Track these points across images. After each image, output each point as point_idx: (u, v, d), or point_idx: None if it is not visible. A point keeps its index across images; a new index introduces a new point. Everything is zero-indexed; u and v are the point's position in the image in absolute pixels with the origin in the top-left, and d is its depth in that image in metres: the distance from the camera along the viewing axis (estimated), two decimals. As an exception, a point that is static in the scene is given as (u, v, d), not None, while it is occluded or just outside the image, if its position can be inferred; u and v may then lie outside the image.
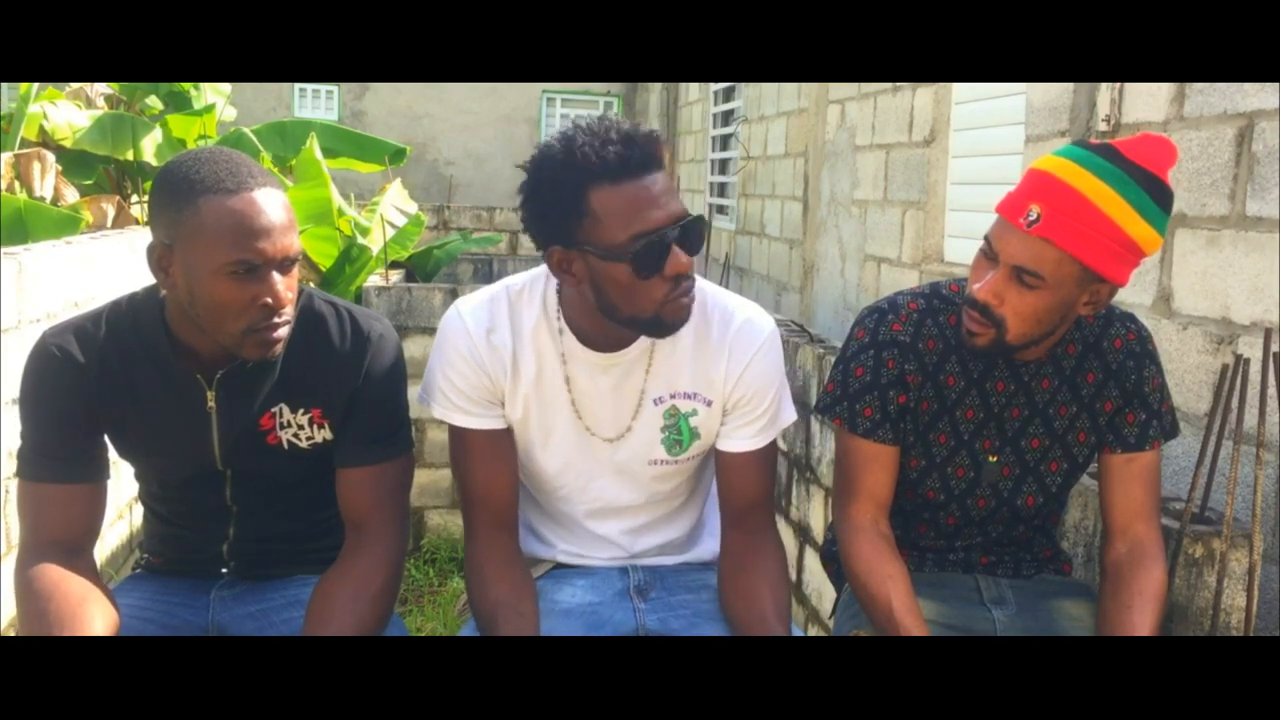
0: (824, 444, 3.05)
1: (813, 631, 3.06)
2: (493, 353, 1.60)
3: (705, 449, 1.69)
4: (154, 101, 5.81)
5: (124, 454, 1.65)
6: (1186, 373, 2.57)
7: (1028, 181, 1.50)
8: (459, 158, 11.98)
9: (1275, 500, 2.27)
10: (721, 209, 7.87)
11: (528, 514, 1.77)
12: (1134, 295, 2.79)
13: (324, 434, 1.61)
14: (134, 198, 5.45)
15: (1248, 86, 2.42)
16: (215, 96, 5.88)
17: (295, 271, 1.50)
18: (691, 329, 1.60)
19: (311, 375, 1.59)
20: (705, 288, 1.65)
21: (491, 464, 1.63)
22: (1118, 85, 2.92)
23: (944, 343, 1.66)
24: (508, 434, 1.64)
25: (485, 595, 1.58)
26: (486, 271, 6.84)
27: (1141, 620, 1.56)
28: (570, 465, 1.66)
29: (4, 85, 8.28)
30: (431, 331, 4.01)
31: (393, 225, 5.42)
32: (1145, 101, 2.80)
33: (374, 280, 4.66)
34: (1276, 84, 2.32)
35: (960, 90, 4.12)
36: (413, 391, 1.65)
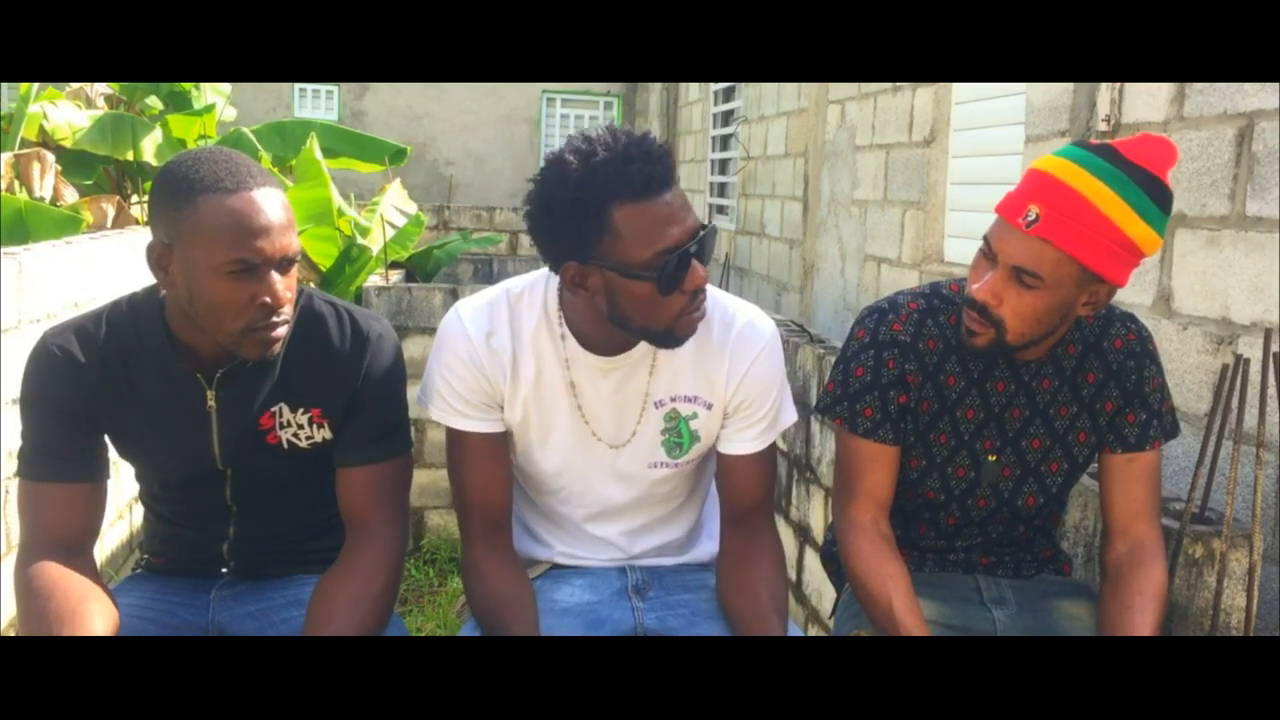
0: (824, 444, 3.05)
1: (813, 631, 3.06)
2: (492, 356, 1.60)
3: (705, 451, 1.69)
4: (154, 101, 5.81)
5: (124, 454, 1.65)
6: (1186, 373, 2.57)
7: (1027, 182, 1.50)
8: (459, 158, 11.98)
9: (1275, 500, 2.27)
10: (721, 209, 7.87)
11: (525, 515, 1.77)
12: (1134, 295, 2.79)
13: (323, 433, 1.61)
14: (134, 198, 5.45)
15: (1248, 86, 2.42)
16: (215, 96, 5.88)
17: (294, 271, 1.51)
18: (692, 332, 1.60)
19: (311, 375, 1.59)
20: (706, 290, 1.64)
21: (488, 467, 1.63)
22: (1118, 85, 2.92)
23: (944, 343, 1.66)
24: (505, 437, 1.64)
25: (487, 595, 1.58)
26: (486, 271, 6.84)
27: (1142, 620, 1.56)
28: (569, 467, 1.66)
29: (4, 85, 8.28)
30: (431, 331, 4.01)
31: (393, 225, 5.42)
32: (1145, 101, 2.80)
33: (374, 280, 4.66)
34: (1276, 84, 2.32)
35: (960, 90, 4.13)
36: (412, 392, 1.66)
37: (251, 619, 1.65)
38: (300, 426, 1.60)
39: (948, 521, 1.74)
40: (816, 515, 3.12)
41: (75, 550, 1.52)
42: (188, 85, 5.71)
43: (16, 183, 4.41)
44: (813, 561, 3.17)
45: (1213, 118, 2.55)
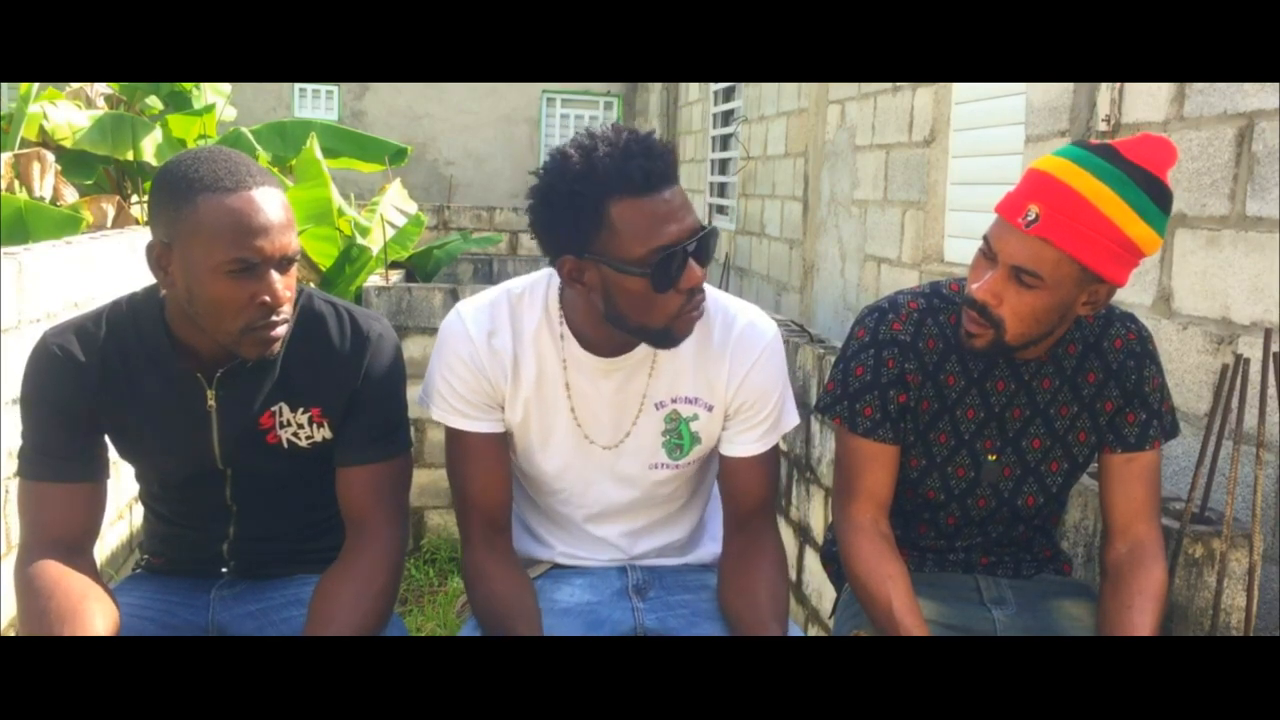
0: (824, 444, 3.05)
1: (813, 631, 3.06)
2: (493, 356, 1.60)
3: (706, 453, 1.69)
4: (154, 101, 5.81)
5: (124, 454, 1.65)
6: (1186, 373, 2.57)
7: (1027, 182, 1.50)
8: (459, 158, 11.98)
9: (1275, 500, 2.27)
10: (721, 209, 7.87)
11: (525, 515, 1.77)
12: (1134, 295, 2.79)
13: (323, 433, 1.61)
14: (134, 198, 5.45)
15: (1248, 86, 2.42)
16: (215, 96, 5.88)
17: (294, 270, 1.51)
18: (694, 333, 1.59)
19: (311, 375, 1.59)
20: (707, 291, 1.64)
21: (488, 467, 1.63)
22: (1118, 85, 2.92)
23: (944, 342, 1.66)
24: (505, 437, 1.64)
25: (490, 596, 1.58)
26: (486, 271, 6.84)
27: (1142, 620, 1.56)
28: (570, 468, 1.66)
29: (4, 85, 8.28)
30: (431, 331, 4.01)
31: (393, 225, 5.42)
32: (1145, 101, 2.80)
33: (374, 280, 4.66)
34: (1276, 84, 2.32)
35: (960, 90, 4.13)
36: (412, 391, 1.65)
37: (251, 619, 1.65)
38: (300, 426, 1.60)
39: (947, 521, 1.74)
40: (816, 515, 3.12)
41: (75, 550, 1.52)
42: (188, 85, 5.71)
43: (16, 183, 4.41)
44: (813, 561, 3.17)
45: (1213, 118, 2.55)
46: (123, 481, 2.83)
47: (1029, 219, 1.46)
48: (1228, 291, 2.47)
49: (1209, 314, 2.53)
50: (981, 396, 1.66)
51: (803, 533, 3.27)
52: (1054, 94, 3.29)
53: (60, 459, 1.52)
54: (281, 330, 1.50)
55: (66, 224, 4.05)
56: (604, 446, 1.64)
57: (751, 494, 1.66)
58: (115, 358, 1.55)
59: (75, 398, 1.53)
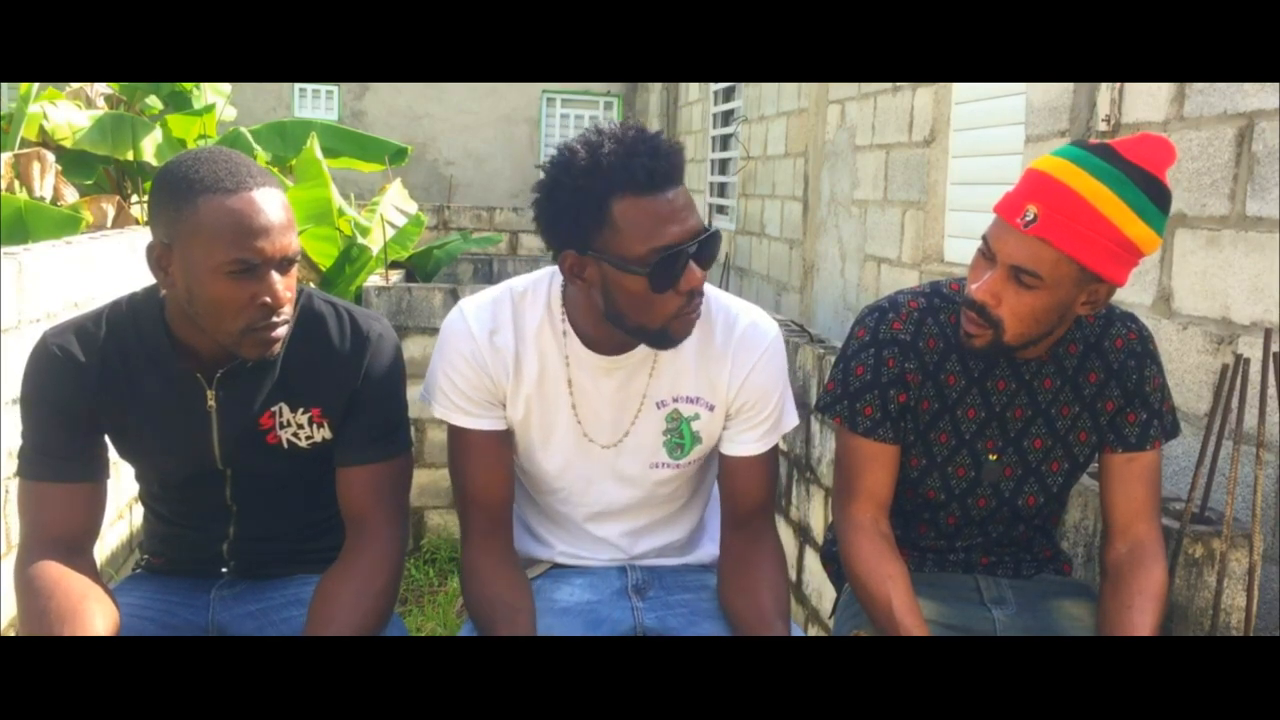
0: (824, 444, 3.05)
1: (813, 631, 3.06)
2: (495, 354, 1.60)
3: (707, 453, 1.69)
4: (154, 101, 5.81)
5: (124, 454, 1.65)
6: (1186, 373, 2.57)
7: (1025, 182, 1.50)
8: (459, 158, 11.98)
9: (1275, 500, 2.27)
10: (721, 209, 7.87)
11: (526, 515, 1.77)
12: (1134, 295, 2.79)
13: (323, 433, 1.61)
14: (134, 198, 5.45)
15: (1248, 86, 2.42)
16: (215, 96, 5.88)
17: (294, 271, 1.51)
18: (695, 333, 1.59)
19: (311, 375, 1.59)
20: (708, 291, 1.64)
21: (490, 465, 1.63)
22: (1118, 85, 2.92)
23: (945, 341, 1.66)
24: (507, 435, 1.65)
25: (482, 595, 1.58)
26: (486, 271, 6.84)
27: (1142, 620, 1.56)
28: (570, 467, 1.66)
29: (4, 85, 8.28)
30: (431, 331, 4.01)
31: (393, 225, 5.42)
32: (1145, 101, 2.80)
33: (374, 280, 4.66)
34: (1276, 84, 2.32)
35: (960, 90, 4.13)
36: (412, 391, 1.65)
37: (251, 619, 1.65)
38: (300, 426, 1.60)
39: (948, 521, 1.74)
40: (816, 515, 3.12)
41: (75, 550, 1.52)
42: (188, 85, 5.71)
43: (16, 183, 4.41)
44: (813, 561, 3.17)
45: (1213, 118, 2.55)
46: (123, 481, 2.83)
47: (1027, 219, 1.46)
48: (1228, 291, 2.47)
49: (1209, 314, 2.53)
50: (982, 396, 1.66)
51: (803, 533, 3.27)
52: (1054, 94, 3.29)
53: (60, 459, 1.52)
54: (282, 331, 1.50)
55: (66, 224, 4.05)
56: (603, 445, 1.64)
57: (751, 494, 1.66)
58: (115, 358, 1.55)
59: (75, 398, 1.53)
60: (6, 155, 4.44)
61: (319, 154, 5.03)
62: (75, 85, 5.56)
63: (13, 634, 2.22)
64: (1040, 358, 1.64)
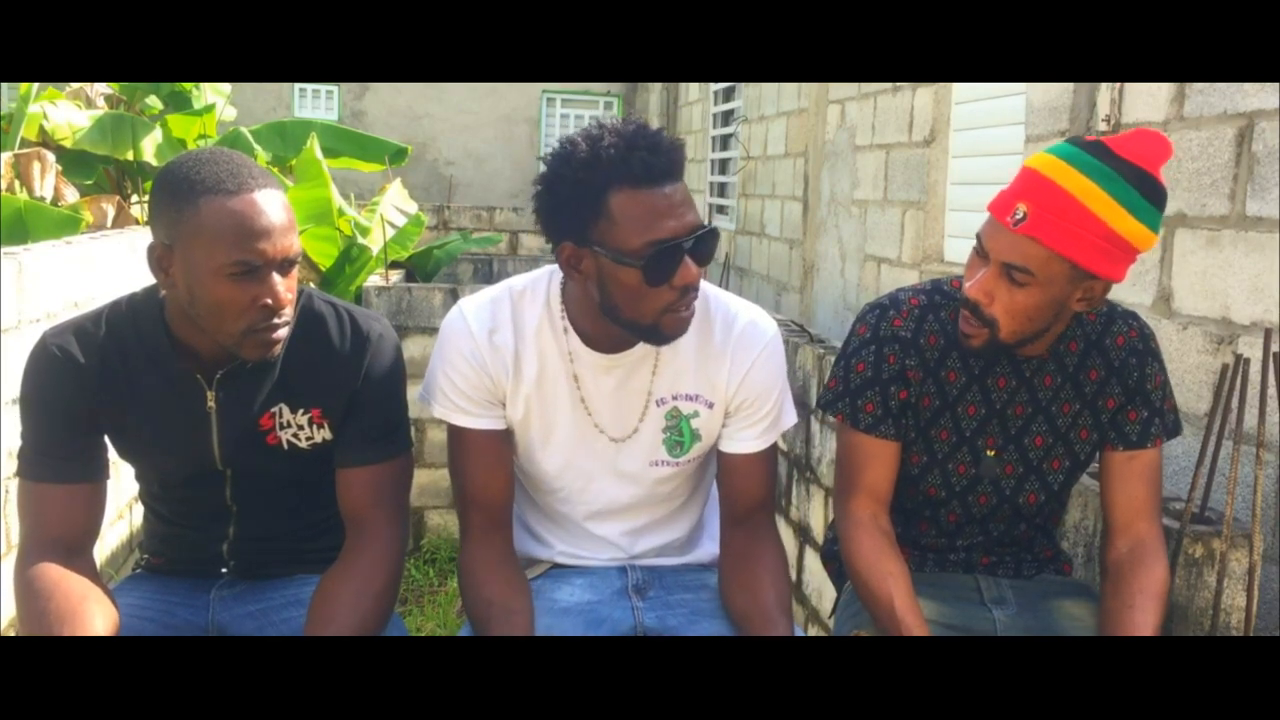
0: (824, 444, 3.05)
1: (813, 631, 3.06)
2: (495, 353, 1.60)
3: (706, 450, 1.69)
4: (154, 101, 5.81)
5: (124, 454, 1.65)
6: (1186, 373, 2.57)
7: (1018, 180, 1.51)
8: (459, 158, 11.98)
9: (1275, 500, 2.27)
10: (721, 209, 7.87)
11: (525, 515, 1.77)
12: (1134, 295, 2.79)
13: (323, 434, 1.61)
14: (134, 198, 5.45)
15: (1248, 86, 2.42)
16: (215, 96, 5.88)
17: (295, 272, 1.51)
18: (694, 331, 1.59)
19: (311, 375, 1.59)
20: (707, 289, 1.65)
21: (489, 464, 1.63)
22: (1118, 85, 2.92)
23: (945, 338, 1.66)
24: (507, 435, 1.65)
25: (478, 595, 1.58)
26: (486, 271, 6.84)
27: (1144, 620, 1.56)
28: (570, 465, 1.66)
29: (4, 85, 8.28)
30: (431, 331, 4.01)
31: (393, 225, 5.42)
32: (1145, 101, 2.80)
33: (374, 280, 4.66)
34: (1276, 84, 2.32)
35: (960, 90, 4.13)
36: (412, 391, 1.66)
37: (251, 619, 1.65)
38: (300, 427, 1.60)
39: (949, 519, 1.74)
40: (816, 515, 3.12)
41: (75, 550, 1.52)
42: (188, 85, 5.71)
43: (16, 183, 4.41)
44: (813, 561, 3.17)
45: (1213, 118, 2.55)
46: (123, 481, 2.83)
47: (1017, 217, 1.46)
48: (1228, 291, 2.47)
49: (1209, 314, 2.53)
50: (983, 393, 1.66)
51: (803, 533, 3.27)
52: (1054, 94, 3.29)
53: (60, 459, 1.52)
54: (283, 332, 1.50)
55: (66, 224, 4.05)
56: (612, 438, 1.65)
57: (750, 491, 1.66)
58: (115, 358, 1.55)
59: (75, 398, 1.53)
60: (6, 155, 4.44)
61: (319, 154, 5.03)
62: (75, 85, 5.56)
63: (13, 634, 2.22)
64: (1040, 355, 1.64)
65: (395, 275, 4.96)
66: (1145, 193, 1.45)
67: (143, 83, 5.52)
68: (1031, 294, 1.49)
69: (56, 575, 1.47)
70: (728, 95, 7.75)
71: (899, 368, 1.65)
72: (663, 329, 1.51)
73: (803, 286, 5.74)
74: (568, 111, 12.26)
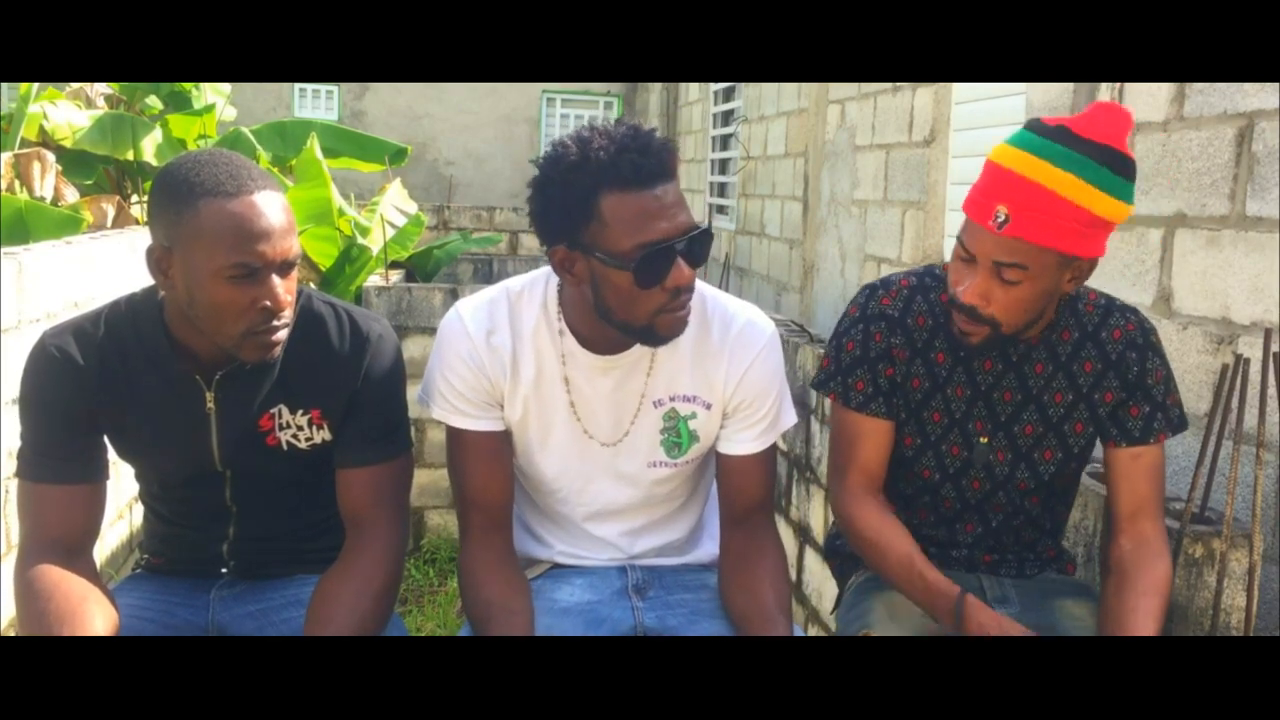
0: (824, 444, 3.05)
1: (813, 631, 3.06)
2: (492, 355, 1.60)
3: (704, 452, 1.69)
4: (154, 101, 5.81)
5: (123, 454, 1.65)
6: (1186, 373, 2.57)
7: (989, 178, 1.51)
8: (459, 158, 11.98)
9: (1275, 500, 2.26)
10: (721, 209, 7.87)
11: (525, 515, 1.77)
12: (1134, 295, 2.79)
13: (323, 435, 1.61)
14: (134, 198, 5.45)
15: (1248, 86, 2.42)
16: (215, 96, 5.88)
17: (294, 274, 1.51)
18: (691, 332, 1.59)
19: (310, 376, 1.59)
20: (705, 290, 1.65)
21: (488, 465, 1.63)
22: (1118, 85, 2.92)
23: (933, 319, 1.68)
24: (505, 436, 1.64)
25: (477, 596, 1.58)
26: (486, 271, 6.84)
27: (1146, 622, 1.55)
28: (569, 467, 1.66)
29: (4, 85, 8.28)
30: (431, 331, 4.01)
31: (393, 225, 5.42)
32: (1145, 101, 2.80)
33: (374, 280, 4.66)
34: (1276, 84, 2.32)
35: (960, 90, 4.12)
36: (412, 391, 1.66)
37: (251, 619, 1.65)
38: (300, 428, 1.60)
39: (945, 505, 1.74)
40: (816, 515, 3.12)
41: (75, 551, 1.52)
42: (188, 85, 5.71)
43: (16, 183, 4.41)
44: (813, 561, 3.16)
45: (1213, 118, 2.54)
46: (123, 481, 2.83)
47: (999, 220, 1.47)
48: (1228, 291, 2.47)
49: (1209, 314, 2.53)
50: (968, 375, 1.67)
51: (803, 533, 3.27)
52: (1054, 94, 3.29)
53: (59, 460, 1.52)
54: (282, 334, 1.50)
55: (66, 224, 4.05)
56: (603, 443, 1.64)
57: (749, 492, 1.66)
58: (114, 359, 1.55)
59: (74, 399, 1.53)
60: (6, 155, 4.44)
61: (319, 154, 5.03)
62: (75, 85, 5.56)
63: (13, 634, 2.22)
64: (1030, 340, 1.65)
65: (395, 275, 4.96)
66: (1117, 170, 1.46)
67: (143, 83, 5.52)
68: (1025, 287, 1.51)
69: (56, 576, 1.47)
70: (728, 95, 7.74)
71: (884, 345, 1.68)
72: (657, 330, 1.51)
73: (803, 286, 5.74)
74: (568, 111, 12.26)
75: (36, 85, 4.90)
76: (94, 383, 1.54)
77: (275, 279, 1.45)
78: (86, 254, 2.95)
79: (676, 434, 1.65)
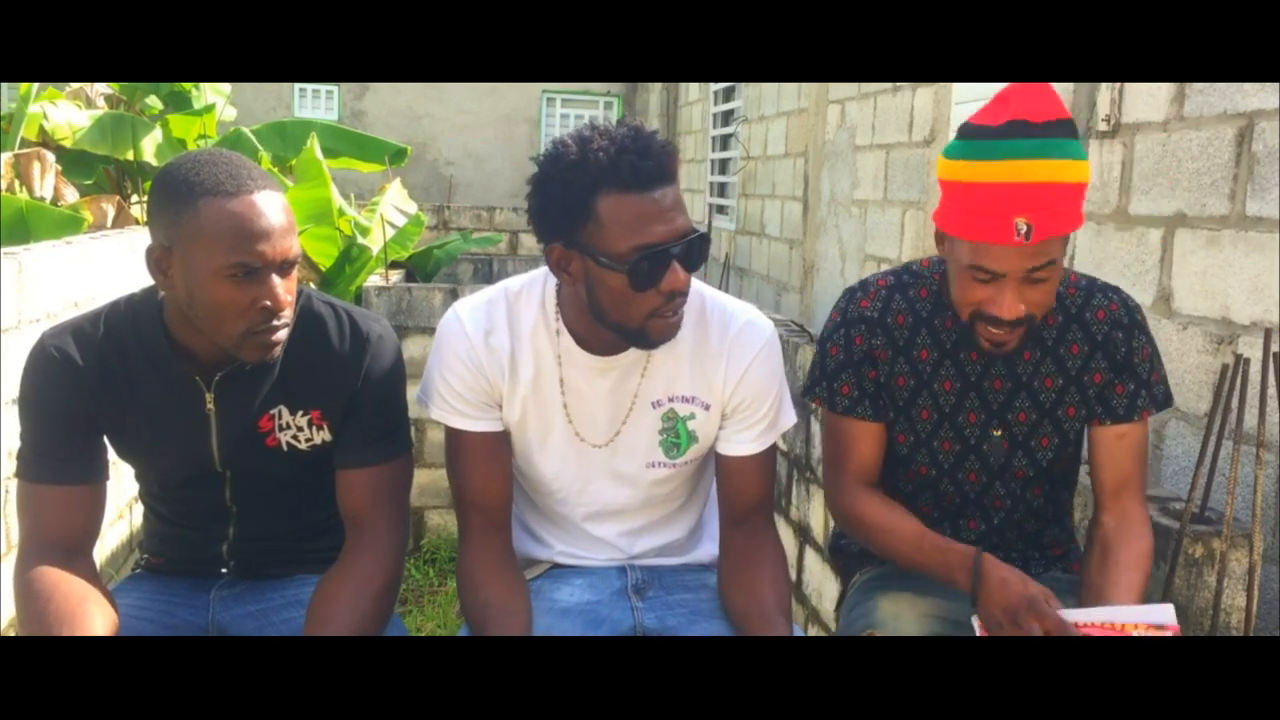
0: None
1: (813, 631, 3.06)
2: (491, 355, 1.60)
3: (703, 452, 1.69)
4: (154, 101, 5.81)
5: (123, 455, 1.65)
6: (1186, 373, 2.57)
7: (986, 199, 1.47)
8: (459, 158, 11.98)
9: (1275, 500, 2.26)
10: (721, 209, 7.87)
11: (524, 515, 1.77)
12: (1134, 295, 2.78)
13: (323, 435, 1.61)
14: (134, 198, 5.45)
15: (1248, 86, 2.42)
16: (215, 96, 5.88)
17: (294, 274, 1.50)
18: (690, 332, 1.59)
19: (310, 377, 1.59)
20: (704, 290, 1.65)
21: (487, 466, 1.63)
22: (1118, 85, 2.92)
23: (914, 316, 1.69)
24: (504, 436, 1.64)
25: (476, 598, 1.58)
26: (486, 271, 6.84)
27: (1128, 594, 1.57)
28: (567, 467, 1.66)
29: (4, 85, 8.28)
30: (431, 331, 4.01)
31: (393, 225, 5.42)
32: (1145, 101, 2.80)
33: (374, 280, 4.66)
34: (1276, 84, 2.32)
35: (960, 90, 4.12)
36: (412, 392, 1.65)
37: (251, 619, 1.65)
38: (300, 429, 1.60)
39: (946, 500, 1.75)
40: (816, 515, 3.12)
41: (75, 552, 1.51)
42: (188, 85, 5.71)
43: (17, 183, 4.41)
44: (813, 561, 3.16)
45: (1213, 118, 2.54)
46: (123, 481, 2.83)
47: (1023, 233, 1.47)
48: (1228, 291, 2.47)
49: (1209, 314, 2.53)
50: (956, 367, 1.68)
51: (803, 533, 3.27)
52: (1054, 94, 3.29)
53: (59, 460, 1.52)
54: (282, 334, 1.50)
55: (67, 224, 4.05)
56: (595, 445, 1.64)
57: (749, 492, 1.66)
58: (113, 359, 1.55)
59: (73, 399, 1.53)
60: (6, 155, 4.44)
61: (319, 154, 5.03)
62: (75, 85, 5.56)
63: (13, 634, 2.22)
64: None
65: (395, 275, 4.96)
66: (1072, 134, 1.49)
67: (143, 83, 5.52)
68: (1052, 277, 1.53)
69: (56, 577, 1.46)
70: (728, 95, 7.74)
71: (866, 348, 1.69)
72: (649, 333, 1.51)
73: (803, 286, 5.74)
74: (568, 111, 12.26)
75: (36, 85, 4.90)
76: (93, 383, 1.54)
77: (275, 278, 1.45)
78: (86, 254, 2.95)
79: (675, 435, 1.65)
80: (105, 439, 1.59)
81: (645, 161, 1.43)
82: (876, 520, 1.68)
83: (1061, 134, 1.48)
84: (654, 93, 10.46)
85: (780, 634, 1.53)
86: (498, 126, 12.07)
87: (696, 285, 1.61)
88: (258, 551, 1.69)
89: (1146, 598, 1.62)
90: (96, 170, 5.21)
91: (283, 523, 1.69)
